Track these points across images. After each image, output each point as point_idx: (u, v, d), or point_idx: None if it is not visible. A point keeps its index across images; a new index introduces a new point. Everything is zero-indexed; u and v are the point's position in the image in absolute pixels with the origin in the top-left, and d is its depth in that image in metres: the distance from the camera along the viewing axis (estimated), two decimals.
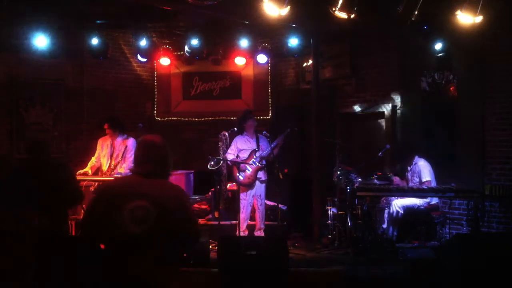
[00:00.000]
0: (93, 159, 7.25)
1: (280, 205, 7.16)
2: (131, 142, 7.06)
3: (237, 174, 6.98)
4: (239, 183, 7.01)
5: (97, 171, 7.22)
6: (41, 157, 4.93)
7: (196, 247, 5.95)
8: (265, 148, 7.10)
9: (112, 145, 7.11)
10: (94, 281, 3.05)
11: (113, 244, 2.96)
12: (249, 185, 7.05)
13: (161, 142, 3.12)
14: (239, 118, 7.37)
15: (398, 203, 6.69)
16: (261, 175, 7.13)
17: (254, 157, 7.05)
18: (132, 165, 3.16)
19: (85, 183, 6.86)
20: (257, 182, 7.09)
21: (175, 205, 2.98)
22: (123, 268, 2.89)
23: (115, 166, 7.01)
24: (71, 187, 4.92)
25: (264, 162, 7.13)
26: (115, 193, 3.02)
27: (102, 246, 3.05)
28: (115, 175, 6.93)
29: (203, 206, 8.12)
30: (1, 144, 7.80)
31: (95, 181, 6.89)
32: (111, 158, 7.08)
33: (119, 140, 7.12)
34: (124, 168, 6.95)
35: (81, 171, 7.09)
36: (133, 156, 6.95)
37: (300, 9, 5.95)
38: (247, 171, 6.97)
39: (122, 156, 7.01)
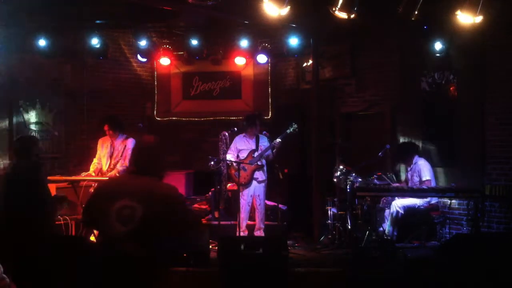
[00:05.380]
0: (95, 160, 7.25)
1: (280, 205, 7.17)
2: (130, 142, 7.07)
3: (234, 174, 7.00)
4: (236, 183, 7.03)
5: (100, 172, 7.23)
6: (26, 158, 4.90)
7: (196, 247, 5.96)
8: (263, 148, 7.12)
9: (112, 146, 7.12)
10: (94, 281, 3.05)
11: (105, 243, 3.00)
12: (246, 185, 7.07)
13: (154, 142, 3.24)
14: (244, 120, 7.39)
15: (398, 203, 6.69)
16: (259, 175, 7.13)
17: (252, 156, 7.07)
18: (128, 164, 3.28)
19: (84, 183, 6.87)
20: (255, 182, 7.10)
21: (163, 205, 2.98)
22: (113, 267, 2.90)
23: (115, 166, 7.02)
24: (41, 189, 4.90)
25: (263, 162, 7.14)
26: (105, 193, 3.09)
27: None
28: (109, 174, 6.97)
29: (203, 206, 8.12)
30: (1, 144, 7.79)
31: (94, 181, 6.89)
32: (110, 158, 7.09)
33: (119, 140, 7.12)
34: (120, 166, 6.97)
35: (84, 173, 7.11)
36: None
37: (300, 9, 5.94)
38: (243, 170, 6.98)
39: (121, 156, 7.02)
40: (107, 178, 6.43)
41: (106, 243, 2.96)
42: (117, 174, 6.89)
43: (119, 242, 2.89)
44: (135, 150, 3.27)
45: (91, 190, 6.92)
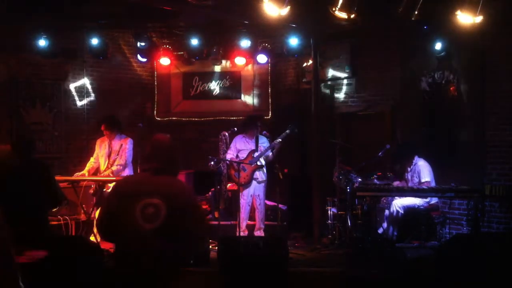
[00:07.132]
0: (92, 159, 7.25)
1: (280, 205, 7.16)
2: (128, 141, 7.09)
3: (234, 174, 7.01)
4: (235, 183, 7.03)
5: (96, 171, 7.22)
6: (31, 156, 4.91)
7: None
8: (263, 149, 7.11)
9: (110, 145, 7.11)
10: (93, 281, 3.07)
11: (126, 241, 3.06)
12: (245, 185, 7.07)
13: (169, 141, 3.36)
14: (244, 120, 7.40)
15: (398, 203, 6.69)
16: (259, 175, 7.13)
17: (252, 157, 7.07)
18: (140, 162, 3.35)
19: (84, 183, 6.87)
20: (254, 182, 7.10)
21: (184, 203, 3.09)
22: (134, 265, 2.96)
23: (112, 165, 7.02)
24: (55, 187, 4.92)
25: (262, 162, 7.14)
26: (127, 191, 3.15)
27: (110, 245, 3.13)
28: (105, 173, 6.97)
29: (203, 206, 8.12)
30: (1, 144, 7.79)
31: (94, 181, 6.89)
32: (108, 158, 7.08)
33: (116, 140, 7.12)
34: (116, 166, 6.97)
35: (78, 174, 7.10)
36: (127, 154, 7.01)
37: (300, 9, 5.95)
38: (243, 170, 6.99)
39: (117, 155, 7.02)
40: (123, 177, 6.35)
41: (131, 241, 3.01)
42: (111, 174, 6.89)
43: (145, 239, 2.96)
44: (149, 149, 3.31)
45: (91, 191, 6.94)
